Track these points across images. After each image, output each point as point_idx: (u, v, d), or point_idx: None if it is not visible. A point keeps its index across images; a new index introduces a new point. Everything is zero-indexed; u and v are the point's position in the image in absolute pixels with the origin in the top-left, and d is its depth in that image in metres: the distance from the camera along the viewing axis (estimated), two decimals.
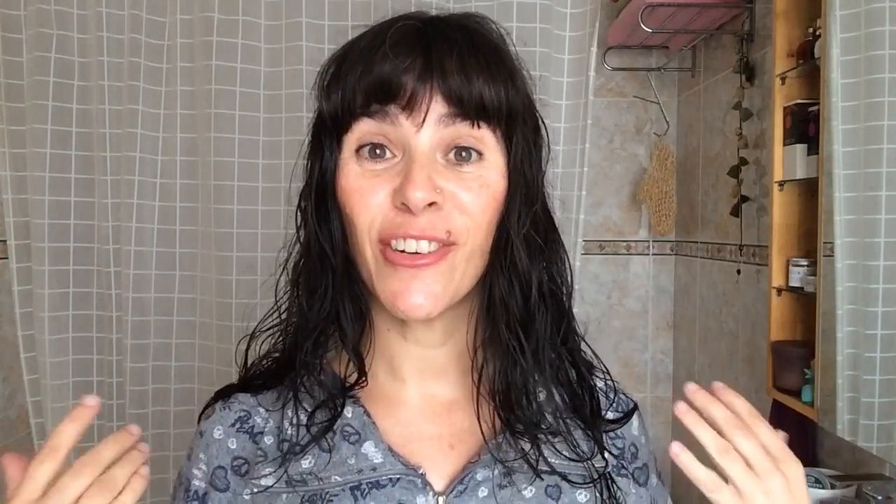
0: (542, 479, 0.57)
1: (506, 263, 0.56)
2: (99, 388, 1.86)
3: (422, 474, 0.56)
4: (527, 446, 0.56)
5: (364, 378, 0.59)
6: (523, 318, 0.57)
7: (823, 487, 1.24)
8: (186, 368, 1.85)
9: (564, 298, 0.60)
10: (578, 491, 0.58)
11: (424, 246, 0.53)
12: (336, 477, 0.55)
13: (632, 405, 0.67)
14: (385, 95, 0.51)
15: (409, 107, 0.51)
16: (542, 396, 0.59)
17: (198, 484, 0.61)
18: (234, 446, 0.60)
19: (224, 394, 0.64)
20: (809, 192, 1.34)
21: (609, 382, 0.67)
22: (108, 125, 1.78)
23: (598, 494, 0.58)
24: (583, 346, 0.63)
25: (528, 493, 0.57)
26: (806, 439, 1.40)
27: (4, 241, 1.78)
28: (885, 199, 1.12)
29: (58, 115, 1.75)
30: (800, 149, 1.33)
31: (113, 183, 1.78)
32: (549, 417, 0.58)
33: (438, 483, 0.57)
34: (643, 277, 2.26)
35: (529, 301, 0.56)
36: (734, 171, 1.71)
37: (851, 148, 1.17)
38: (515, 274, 0.56)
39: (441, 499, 0.56)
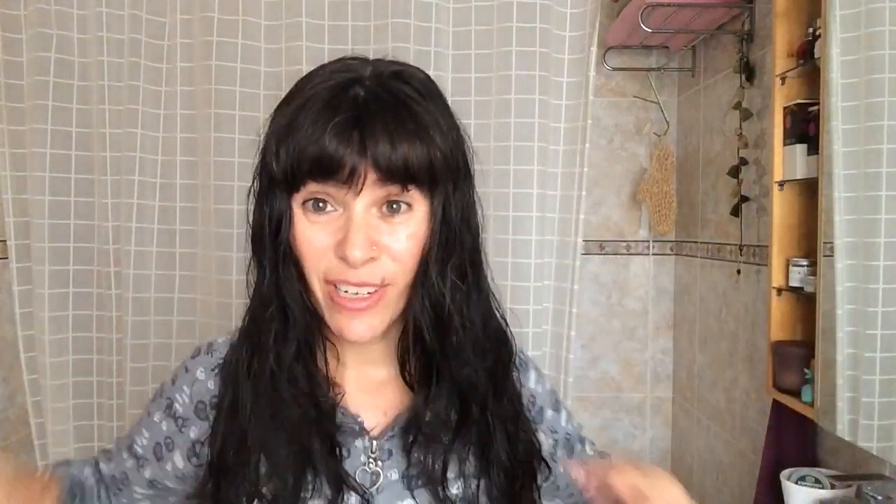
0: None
1: (423, 290, 0.66)
2: (99, 388, 1.86)
3: (360, 421, 0.69)
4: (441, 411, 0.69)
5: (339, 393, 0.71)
6: (437, 330, 0.67)
7: (823, 487, 1.24)
8: None
9: (478, 324, 0.70)
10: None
11: (363, 291, 0.63)
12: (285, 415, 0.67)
13: (522, 360, 0.80)
14: (328, 173, 0.61)
15: (349, 181, 0.60)
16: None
17: (179, 408, 0.74)
18: (212, 387, 0.73)
19: (209, 344, 0.77)
20: (809, 192, 1.34)
21: (520, 357, 0.79)
22: (108, 125, 1.77)
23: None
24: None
25: (446, 439, 0.69)
26: (806, 439, 1.40)
27: (4, 241, 1.78)
28: (885, 199, 1.12)
29: (58, 115, 1.75)
30: (800, 149, 1.33)
31: (113, 183, 1.78)
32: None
33: (373, 431, 0.70)
34: (643, 277, 2.26)
35: (442, 318, 0.67)
36: (734, 171, 1.71)
37: (851, 148, 1.17)
38: (430, 298, 0.66)
39: (374, 442, 0.69)
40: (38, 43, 1.72)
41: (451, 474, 0.69)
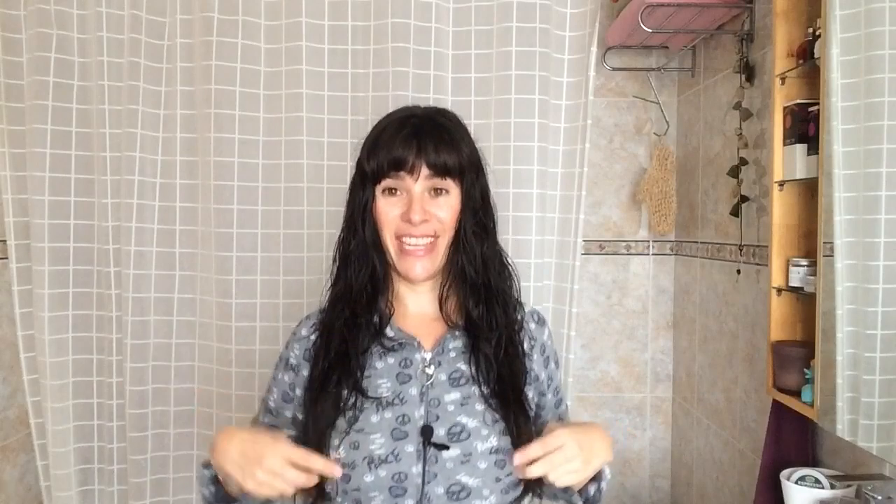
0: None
1: (462, 244, 1.02)
2: (99, 388, 1.86)
3: (418, 341, 1.01)
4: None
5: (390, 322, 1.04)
6: (475, 272, 1.03)
7: (823, 487, 1.24)
8: (186, 368, 1.85)
9: (495, 265, 1.04)
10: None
11: (421, 242, 1.00)
12: (367, 342, 1.01)
13: (542, 317, 1.13)
14: (399, 168, 0.97)
15: (410, 172, 0.98)
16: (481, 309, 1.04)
17: (293, 361, 1.06)
18: (313, 339, 1.05)
19: (306, 317, 1.10)
20: (809, 192, 1.34)
21: (531, 310, 1.12)
22: (108, 125, 1.78)
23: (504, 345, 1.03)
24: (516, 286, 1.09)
25: (475, 354, 1.01)
26: (806, 439, 1.40)
27: (4, 241, 1.78)
28: (885, 199, 1.12)
29: (58, 115, 1.75)
30: (800, 149, 1.33)
31: (113, 183, 1.79)
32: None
33: (427, 348, 1.02)
34: (643, 277, 2.26)
35: (475, 264, 1.02)
36: (734, 171, 1.71)
37: (851, 148, 1.17)
38: (467, 249, 1.02)
39: (428, 354, 1.01)
40: (38, 43, 1.72)
41: (480, 378, 1.00)
